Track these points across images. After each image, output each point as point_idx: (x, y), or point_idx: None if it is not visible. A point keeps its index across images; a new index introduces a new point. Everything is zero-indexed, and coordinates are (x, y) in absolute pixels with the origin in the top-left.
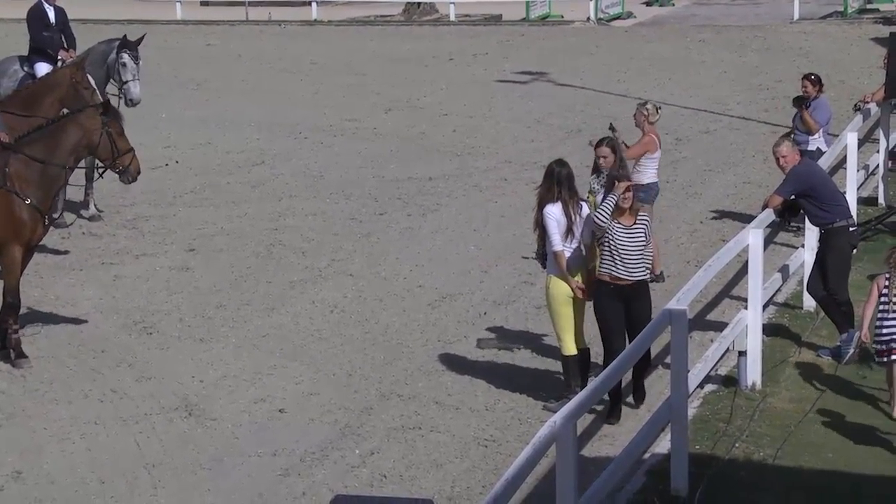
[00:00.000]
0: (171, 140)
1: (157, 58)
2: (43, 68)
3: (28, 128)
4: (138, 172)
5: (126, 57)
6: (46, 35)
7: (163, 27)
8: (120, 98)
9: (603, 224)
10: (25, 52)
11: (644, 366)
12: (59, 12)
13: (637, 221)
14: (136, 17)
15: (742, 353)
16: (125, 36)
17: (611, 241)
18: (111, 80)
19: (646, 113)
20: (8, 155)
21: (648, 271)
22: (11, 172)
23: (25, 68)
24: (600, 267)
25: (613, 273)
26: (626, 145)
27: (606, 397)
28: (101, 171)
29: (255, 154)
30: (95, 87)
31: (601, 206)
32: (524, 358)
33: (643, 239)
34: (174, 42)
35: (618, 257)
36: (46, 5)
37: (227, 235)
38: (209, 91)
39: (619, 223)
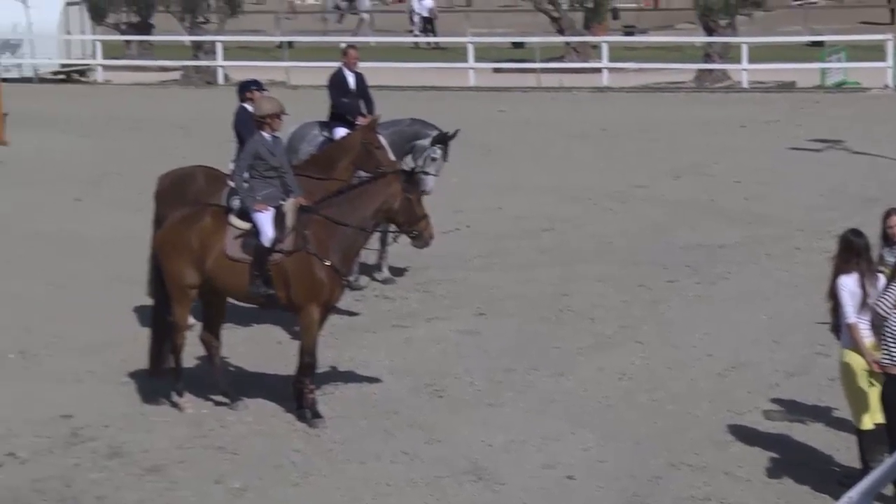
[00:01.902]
0: (461, 204)
1: (449, 123)
2: (341, 133)
3: (323, 191)
4: (432, 238)
5: (440, 153)
6: (346, 101)
7: (455, 93)
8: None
9: (883, 314)
10: (325, 118)
11: None
12: (359, 78)
13: None
14: (430, 83)
15: None
16: (447, 133)
17: (893, 331)
18: (410, 159)
19: None
20: (308, 218)
21: None
22: (311, 235)
23: (325, 133)
24: (883, 357)
25: None
26: None
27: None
28: (395, 235)
29: (543, 219)
30: (387, 146)
31: (882, 294)
32: (816, 430)
33: None
34: (466, 108)
35: None
36: (347, 71)
37: (515, 300)
38: (499, 156)
39: None
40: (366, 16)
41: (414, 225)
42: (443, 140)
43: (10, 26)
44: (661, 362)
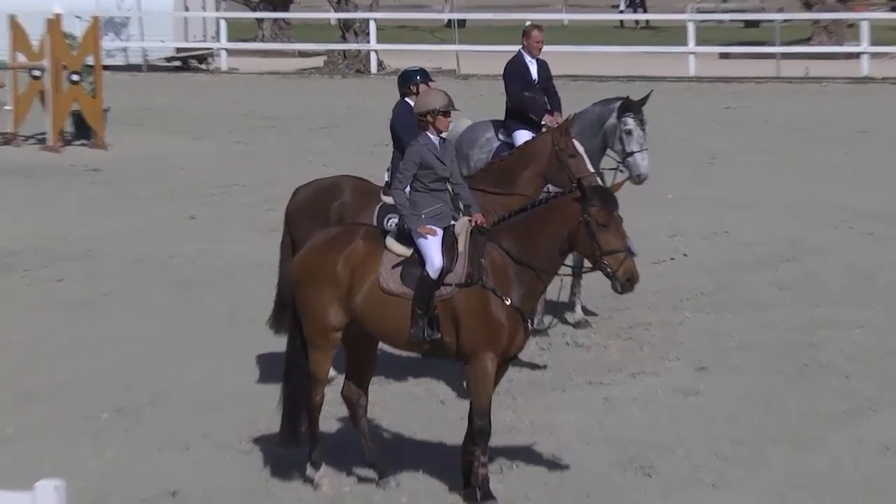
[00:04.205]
0: (677, 227)
1: (662, 123)
2: (523, 136)
3: (503, 208)
4: (631, 280)
5: (631, 122)
6: (528, 95)
7: (671, 85)
8: (618, 172)
9: None
10: (501, 116)
11: None
12: (542, 67)
13: None
14: (639, 72)
15: None
16: (628, 97)
17: None
18: (608, 150)
19: None
20: (484, 243)
21: None
22: (488, 265)
23: (501, 136)
24: None
25: None
26: None
27: None
28: (587, 268)
29: (783, 246)
30: (584, 154)
31: None
32: None
33: None
34: (684, 103)
35: None
36: (528, 57)
37: (746, 350)
38: (726, 165)
39: None
40: None
41: (604, 259)
42: (629, 107)
43: (114, 2)
44: None
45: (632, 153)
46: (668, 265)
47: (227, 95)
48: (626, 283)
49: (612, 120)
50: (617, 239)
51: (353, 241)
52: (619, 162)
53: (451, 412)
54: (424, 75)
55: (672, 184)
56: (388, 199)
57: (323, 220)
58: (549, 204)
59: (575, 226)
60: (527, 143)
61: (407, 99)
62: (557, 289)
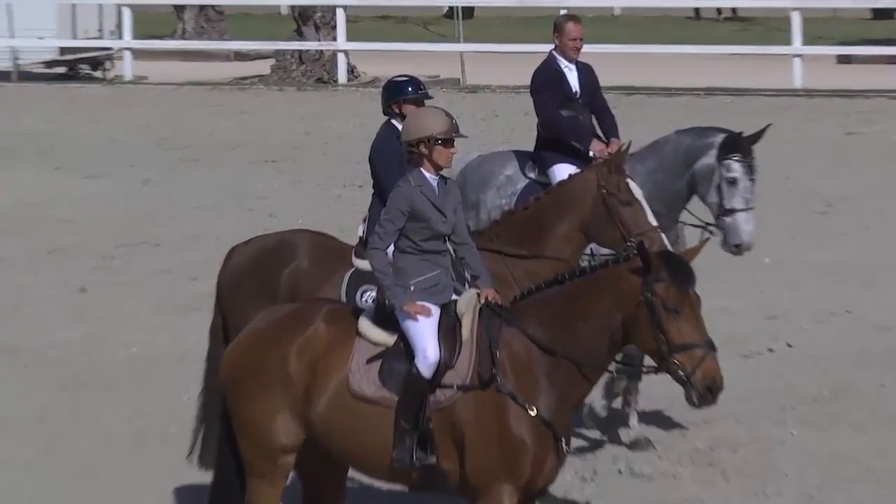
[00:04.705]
0: (777, 305)
1: (756, 154)
2: (563, 172)
3: (527, 278)
4: (711, 387)
5: (737, 169)
6: (566, 115)
7: (769, 101)
8: (708, 235)
9: None
10: (523, 145)
11: None
12: (585, 74)
13: None
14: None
15: None
16: (740, 133)
17: None
18: (697, 199)
19: None
20: (499, 328)
21: None
22: (505, 358)
23: (529, 173)
24: None
25: None
26: None
27: None
28: (648, 367)
29: None
30: (643, 200)
31: None
32: None
33: None
34: (788, 126)
35: None
36: (563, 62)
37: (875, 482)
38: (847, 214)
39: None
40: None
41: (672, 357)
42: (737, 145)
43: None
44: None
45: (732, 211)
46: (764, 360)
47: (132, 115)
48: (705, 391)
49: (709, 160)
50: (693, 329)
51: (312, 325)
52: (704, 224)
53: None
54: (417, 87)
55: (770, 242)
56: (363, 264)
57: (269, 294)
58: (594, 275)
59: (632, 309)
60: (562, 184)
61: (393, 121)
62: (604, 391)
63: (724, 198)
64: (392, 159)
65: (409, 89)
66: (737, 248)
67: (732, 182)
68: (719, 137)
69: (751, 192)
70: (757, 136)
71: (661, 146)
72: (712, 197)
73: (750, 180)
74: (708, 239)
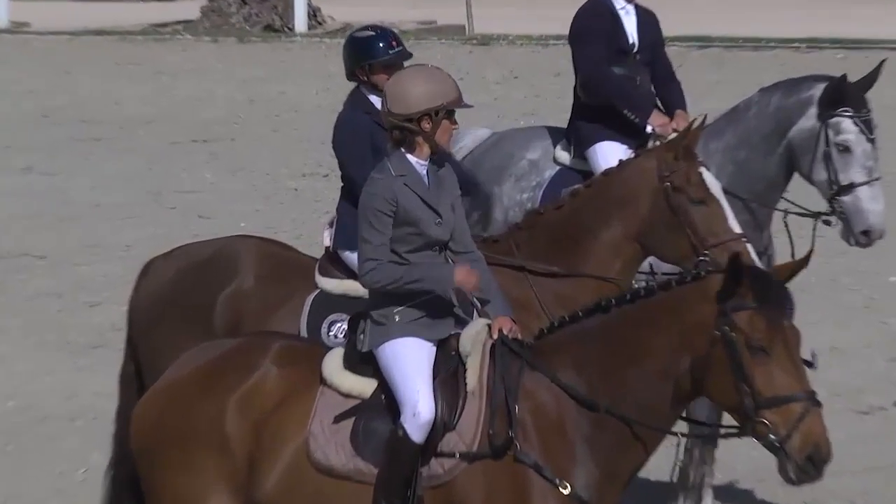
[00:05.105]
0: None
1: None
2: (608, 155)
3: (558, 304)
4: (813, 457)
5: (848, 127)
6: (619, 74)
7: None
8: (819, 224)
9: None
10: (552, 120)
11: None
12: (647, 22)
13: None
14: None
15: None
16: (843, 76)
17: None
18: (803, 177)
19: None
20: (518, 372)
21: None
22: (528, 415)
23: (562, 156)
24: None
25: None
26: None
27: None
28: (728, 428)
29: None
30: (722, 197)
31: None
32: None
33: None
34: None
35: None
36: (618, 4)
37: None
38: None
39: None
40: None
41: (766, 415)
42: (844, 95)
43: None
44: None
45: (851, 186)
46: (888, 416)
47: (7, 78)
48: (805, 462)
49: (809, 121)
50: (788, 376)
51: (259, 369)
52: (829, 202)
53: None
54: (389, 44)
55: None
56: (331, 285)
57: (200, 325)
58: (651, 301)
59: (704, 348)
60: (608, 173)
61: (362, 88)
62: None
63: (836, 170)
64: (363, 139)
65: (381, 46)
66: (865, 237)
67: (845, 148)
68: (818, 88)
69: (872, 157)
70: (870, 80)
71: (741, 113)
72: (819, 173)
73: (869, 141)
74: (808, 256)
